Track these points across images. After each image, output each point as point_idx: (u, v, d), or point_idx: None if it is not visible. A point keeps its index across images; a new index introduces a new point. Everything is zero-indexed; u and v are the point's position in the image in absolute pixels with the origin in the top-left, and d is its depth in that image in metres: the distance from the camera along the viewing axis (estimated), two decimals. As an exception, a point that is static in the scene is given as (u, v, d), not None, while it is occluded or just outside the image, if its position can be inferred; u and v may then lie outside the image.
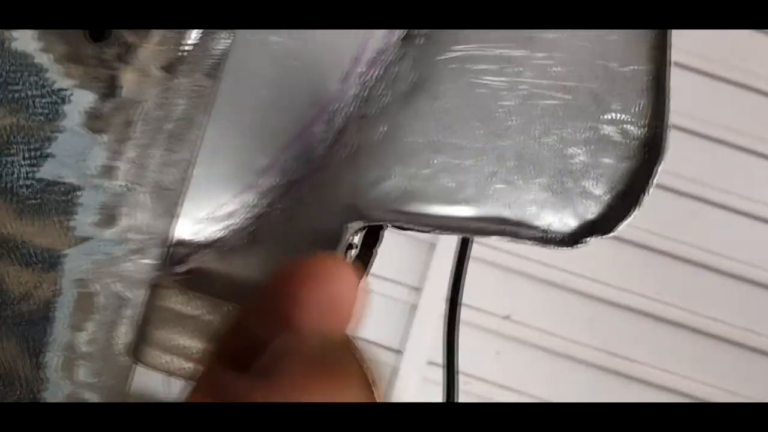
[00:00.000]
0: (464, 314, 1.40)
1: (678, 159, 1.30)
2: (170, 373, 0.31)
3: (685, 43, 1.25)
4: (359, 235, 0.53)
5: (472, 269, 1.40)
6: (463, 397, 1.37)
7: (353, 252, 0.53)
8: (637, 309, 1.33)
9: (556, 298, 1.36)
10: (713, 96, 1.30)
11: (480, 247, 1.37)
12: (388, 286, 1.31)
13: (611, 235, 0.32)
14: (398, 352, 1.30)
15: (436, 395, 0.75)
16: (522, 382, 1.36)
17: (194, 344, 0.31)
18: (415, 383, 1.30)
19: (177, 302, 0.31)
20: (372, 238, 0.55)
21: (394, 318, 1.32)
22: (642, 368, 1.35)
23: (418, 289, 1.33)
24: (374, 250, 0.56)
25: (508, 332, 1.36)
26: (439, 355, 0.71)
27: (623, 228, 1.10)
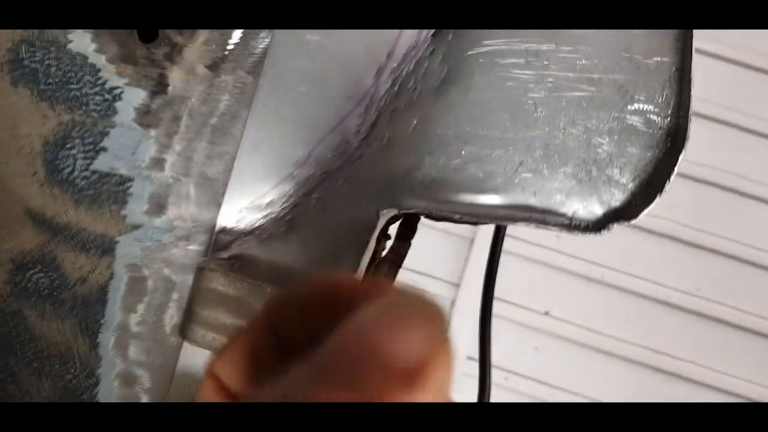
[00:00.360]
0: (503, 310, 1.41)
1: (719, 153, 1.29)
2: (213, 350, 0.33)
3: (724, 32, 1.24)
4: (394, 225, 0.54)
5: (511, 266, 1.41)
6: (501, 393, 1.38)
7: (389, 243, 0.54)
8: (676, 305, 1.33)
9: (595, 294, 1.36)
10: (757, 88, 1.29)
11: (519, 243, 1.37)
12: (426, 281, 1.32)
13: (634, 221, 0.33)
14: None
15: (475, 390, 0.76)
16: (560, 378, 1.36)
17: (236, 323, 0.33)
18: (454, 378, 1.31)
19: (221, 284, 0.33)
20: (408, 230, 0.57)
21: (432, 313, 1.33)
22: (681, 364, 1.34)
23: (456, 285, 1.35)
24: (409, 242, 0.57)
25: (546, 328, 1.36)
26: (477, 350, 0.73)
27: (662, 223, 1.10)
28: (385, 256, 0.54)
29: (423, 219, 0.47)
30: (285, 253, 0.37)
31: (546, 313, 1.41)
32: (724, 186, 1.31)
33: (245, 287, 0.33)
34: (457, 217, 0.35)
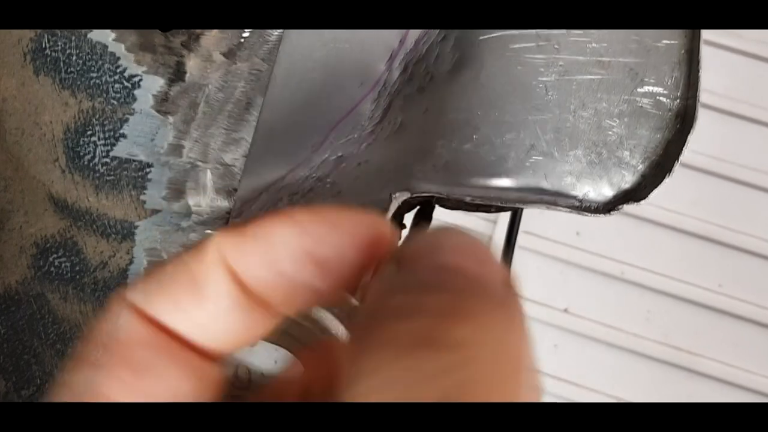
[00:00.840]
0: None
1: (739, 148, 1.28)
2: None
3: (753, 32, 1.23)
4: (410, 215, 0.55)
5: (530, 263, 1.41)
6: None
7: (404, 231, 0.55)
8: (697, 301, 1.32)
9: (615, 290, 1.36)
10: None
11: (538, 240, 1.37)
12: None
13: (643, 202, 0.33)
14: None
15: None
16: (580, 375, 1.36)
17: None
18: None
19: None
20: (423, 219, 0.57)
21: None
22: (702, 361, 1.33)
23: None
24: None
25: (566, 325, 1.36)
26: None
27: (683, 219, 1.09)
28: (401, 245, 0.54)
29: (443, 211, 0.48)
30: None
31: (565, 310, 1.40)
32: (746, 182, 1.30)
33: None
34: (468, 199, 0.35)
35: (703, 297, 1.33)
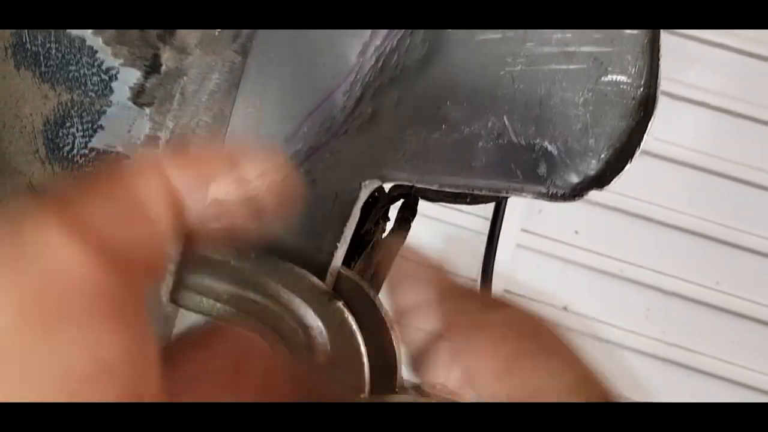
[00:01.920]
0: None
1: (736, 146, 1.28)
2: (203, 312, 0.35)
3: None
4: (395, 207, 0.55)
5: (529, 261, 1.41)
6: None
7: (388, 225, 0.55)
8: (695, 299, 1.32)
9: (614, 289, 1.36)
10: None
11: (537, 238, 1.37)
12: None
13: (607, 187, 0.34)
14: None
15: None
16: (579, 373, 1.36)
17: (222, 286, 0.34)
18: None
19: (207, 249, 0.35)
20: (408, 212, 0.58)
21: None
22: (701, 358, 1.33)
23: (474, 280, 1.35)
24: (409, 224, 0.58)
25: (565, 324, 1.36)
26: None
27: (681, 217, 1.09)
28: (385, 238, 0.55)
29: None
30: (275, 224, 0.38)
31: (564, 309, 1.41)
32: (744, 180, 1.30)
33: (231, 252, 0.35)
34: (436, 187, 0.36)
35: (702, 294, 1.33)
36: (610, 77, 0.35)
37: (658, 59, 0.35)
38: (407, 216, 0.58)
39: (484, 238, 1.38)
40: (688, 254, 1.32)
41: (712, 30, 1.25)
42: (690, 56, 1.27)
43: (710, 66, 1.28)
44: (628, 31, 0.35)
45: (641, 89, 0.35)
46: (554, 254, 1.39)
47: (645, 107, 0.35)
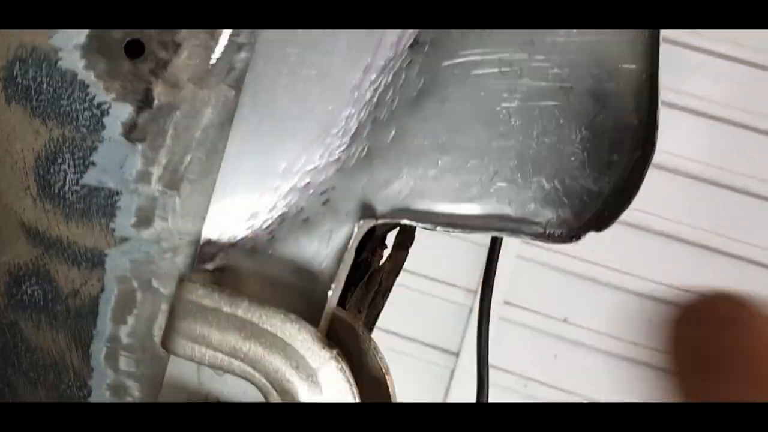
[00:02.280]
0: (522, 317, 1.41)
1: (735, 156, 1.27)
2: (195, 360, 0.34)
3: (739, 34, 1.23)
4: (393, 234, 0.55)
5: (529, 272, 1.40)
6: (522, 400, 1.37)
7: (385, 252, 0.55)
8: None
9: (614, 299, 1.35)
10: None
11: (537, 249, 1.37)
12: (444, 289, 1.32)
13: (606, 230, 0.33)
14: (455, 354, 1.31)
15: (493, 396, 0.77)
16: (580, 385, 1.35)
17: (214, 334, 0.34)
18: (473, 385, 1.31)
19: (199, 296, 0.34)
20: (405, 238, 0.57)
21: (450, 321, 1.33)
22: (703, 370, 1.32)
23: (473, 292, 1.35)
24: (407, 250, 0.58)
25: (566, 335, 1.36)
26: (496, 357, 0.73)
27: (680, 227, 1.08)
28: (383, 264, 0.54)
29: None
30: (269, 264, 0.38)
31: (565, 320, 1.40)
32: (743, 190, 1.30)
33: (223, 298, 0.34)
34: (431, 227, 0.35)
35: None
36: (608, 114, 0.35)
37: (657, 96, 0.34)
38: (405, 243, 0.57)
39: (485, 250, 1.37)
40: (689, 265, 1.31)
41: (711, 39, 1.24)
42: (689, 65, 1.26)
43: (710, 75, 1.28)
44: (626, 66, 0.35)
45: (640, 126, 0.34)
46: (555, 265, 1.38)
47: (644, 145, 0.34)
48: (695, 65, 1.30)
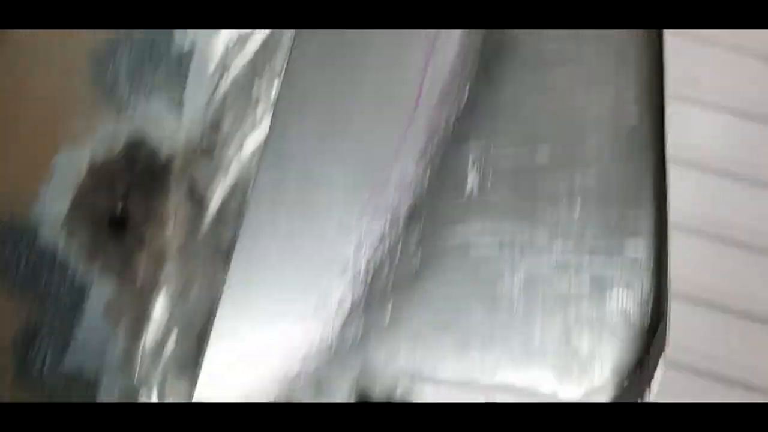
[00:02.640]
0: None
1: (736, 209, 1.26)
2: None
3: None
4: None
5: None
6: None
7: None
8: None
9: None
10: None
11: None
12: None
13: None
14: None
15: None
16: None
17: None
18: None
19: None
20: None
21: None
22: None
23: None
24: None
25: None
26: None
27: (684, 285, 1.05)
28: None
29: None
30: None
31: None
32: (748, 245, 1.28)
33: None
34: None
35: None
36: (614, 300, 0.34)
37: (666, 279, 0.33)
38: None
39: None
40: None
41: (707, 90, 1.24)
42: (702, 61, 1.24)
43: (727, 70, 1.25)
44: (632, 244, 0.34)
45: (649, 313, 0.33)
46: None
47: (654, 334, 0.33)
48: (707, 60, 1.27)
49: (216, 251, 0.37)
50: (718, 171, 1.23)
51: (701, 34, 1.29)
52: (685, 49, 1.17)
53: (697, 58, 1.33)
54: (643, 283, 0.34)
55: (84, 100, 0.37)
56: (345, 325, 0.36)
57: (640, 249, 0.33)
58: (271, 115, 0.35)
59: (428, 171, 0.35)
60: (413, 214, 0.36)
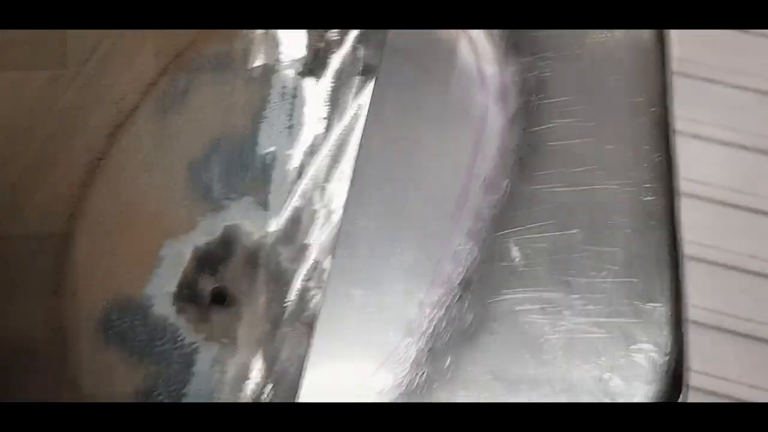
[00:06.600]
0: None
1: (740, 238, 1.30)
2: None
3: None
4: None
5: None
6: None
7: None
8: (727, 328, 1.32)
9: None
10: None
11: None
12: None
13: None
14: None
15: None
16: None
17: None
18: None
19: None
20: None
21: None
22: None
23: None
24: None
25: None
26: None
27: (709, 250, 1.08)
28: None
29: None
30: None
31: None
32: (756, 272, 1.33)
33: None
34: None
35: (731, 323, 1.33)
36: (638, 346, 0.40)
37: (682, 332, 0.40)
38: None
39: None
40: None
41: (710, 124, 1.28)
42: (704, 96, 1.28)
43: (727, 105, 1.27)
44: (651, 305, 0.41)
45: (667, 358, 0.40)
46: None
47: (672, 376, 0.40)
48: (710, 95, 1.31)
49: (301, 319, 0.44)
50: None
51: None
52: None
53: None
54: (664, 336, 0.40)
55: (184, 200, 0.44)
56: (411, 373, 0.43)
57: (659, 310, 0.40)
58: (343, 206, 0.43)
59: (477, 248, 0.42)
60: (465, 280, 0.43)
